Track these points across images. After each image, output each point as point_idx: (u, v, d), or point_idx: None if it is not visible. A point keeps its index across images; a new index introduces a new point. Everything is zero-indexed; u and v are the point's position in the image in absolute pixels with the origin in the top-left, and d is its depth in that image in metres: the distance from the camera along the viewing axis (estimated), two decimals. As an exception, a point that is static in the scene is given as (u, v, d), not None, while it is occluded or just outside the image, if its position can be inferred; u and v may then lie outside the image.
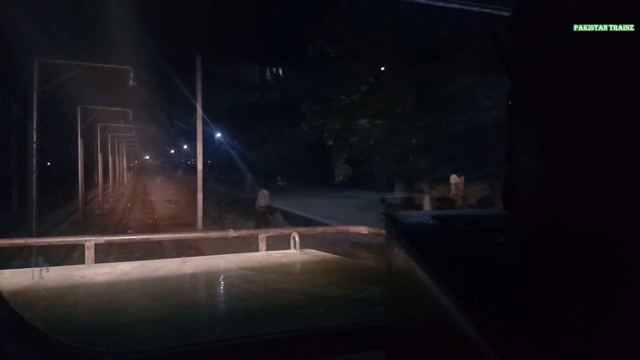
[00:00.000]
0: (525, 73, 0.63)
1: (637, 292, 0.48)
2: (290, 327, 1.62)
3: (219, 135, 34.59)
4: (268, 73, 42.95)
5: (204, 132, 16.52)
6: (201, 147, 16.24)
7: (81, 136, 19.93)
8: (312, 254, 3.24)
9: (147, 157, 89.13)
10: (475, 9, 1.65)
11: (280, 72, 42.56)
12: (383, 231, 0.70)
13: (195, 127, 16.48)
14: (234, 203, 21.29)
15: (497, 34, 1.69)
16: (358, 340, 1.35)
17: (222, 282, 2.57)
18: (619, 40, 0.50)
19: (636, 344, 0.42)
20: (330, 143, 19.49)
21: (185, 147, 58.85)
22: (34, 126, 12.74)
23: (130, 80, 16.15)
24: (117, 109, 23.71)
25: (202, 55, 16.23)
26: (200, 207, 15.69)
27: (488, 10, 1.64)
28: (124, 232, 13.40)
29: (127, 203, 24.51)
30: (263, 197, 15.45)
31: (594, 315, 0.46)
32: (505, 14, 1.64)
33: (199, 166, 16.41)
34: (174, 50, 27.55)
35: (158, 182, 44.57)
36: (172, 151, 71.78)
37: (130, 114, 24.53)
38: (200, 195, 15.75)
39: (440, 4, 1.66)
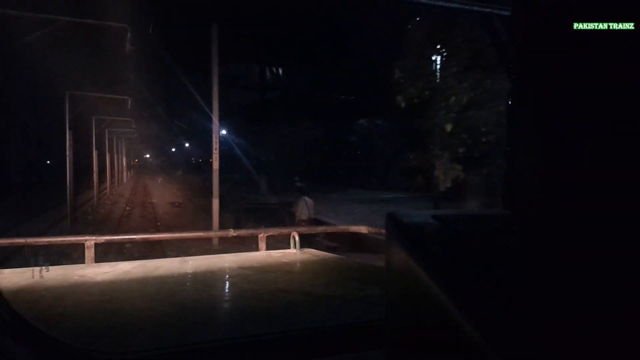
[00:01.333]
0: (525, 72, 0.63)
1: (637, 291, 0.48)
2: (290, 327, 1.62)
3: (223, 132, 33.78)
4: (268, 73, 42.89)
5: (206, 129, 13.38)
6: (217, 140, 12.74)
7: (69, 128, 16.97)
8: (312, 254, 3.24)
9: (148, 156, 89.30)
10: (475, 8, 1.65)
11: (281, 71, 42.50)
12: (383, 230, 0.70)
13: (200, 124, 13.61)
14: (254, 209, 18.13)
15: (497, 34, 1.69)
16: (358, 340, 1.35)
17: (222, 282, 2.57)
18: (619, 39, 0.50)
19: (636, 344, 0.42)
20: (449, 128, 12.00)
21: (187, 145, 58.81)
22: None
23: (127, 44, 12.96)
24: (114, 96, 20.33)
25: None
26: (217, 216, 12.64)
27: (488, 10, 1.64)
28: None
29: (125, 206, 22.31)
30: (305, 207, 11.64)
31: (594, 315, 0.46)
32: (505, 13, 1.64)
33: (215, 165, 12.64)
34: (176, 42, 26.62)
35: (159, 181, 44.45)
36: (173, 149, 71.70)
37: (129, 102, 21.26)
38: (216, 202, 12.53)
39: (441, 3, 1.66)
